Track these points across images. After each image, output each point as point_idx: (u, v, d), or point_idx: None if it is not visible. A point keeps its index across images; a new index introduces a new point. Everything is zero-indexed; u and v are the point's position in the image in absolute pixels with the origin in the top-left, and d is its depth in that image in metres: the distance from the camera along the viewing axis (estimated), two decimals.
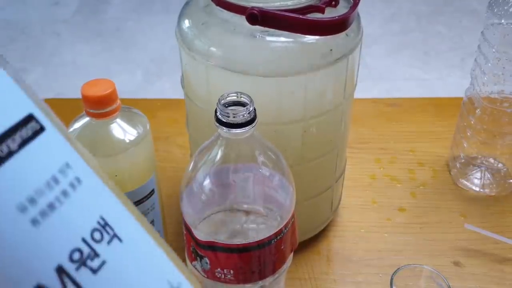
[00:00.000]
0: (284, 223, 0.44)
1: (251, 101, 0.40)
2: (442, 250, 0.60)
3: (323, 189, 0.57)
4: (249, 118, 0.40)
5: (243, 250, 0.43)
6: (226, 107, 0.40)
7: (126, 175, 0.49)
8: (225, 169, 0.43)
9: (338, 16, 0.45)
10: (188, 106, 0.55)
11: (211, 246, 0.43)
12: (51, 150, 0.18)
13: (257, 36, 0.46)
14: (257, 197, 0.45)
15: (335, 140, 0.55)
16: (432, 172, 0.70)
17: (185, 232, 0.46)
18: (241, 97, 0.41)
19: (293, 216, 0.45)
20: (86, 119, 0.48)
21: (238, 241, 0.43)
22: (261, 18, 0.44)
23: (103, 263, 0.18)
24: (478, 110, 0.64)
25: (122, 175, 0.48)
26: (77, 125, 0.48)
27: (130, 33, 1.94)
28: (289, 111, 0.49)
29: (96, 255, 0.18)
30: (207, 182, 0.44)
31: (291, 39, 0.46)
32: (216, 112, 0.40)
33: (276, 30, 0.45)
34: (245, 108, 0.40)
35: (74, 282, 0.17)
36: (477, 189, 0.67)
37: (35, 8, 2.13)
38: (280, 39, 0.46)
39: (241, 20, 0.45)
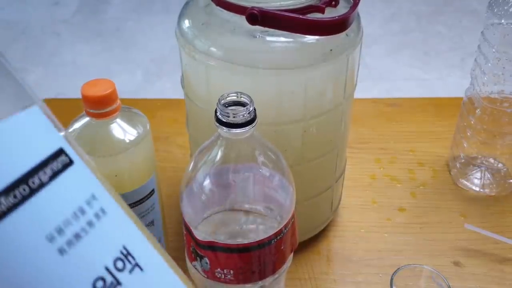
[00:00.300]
0: (284, 223, 0.44)
1: (251, 101, 0.40)
2: (442, 250, 0.60)
3: (323, 189, 0.57)
4: (249, 118, 0.40)
5: (243, 250, 0.43)
6: (226, 107, 0.40)
7: (126, 175, 0.49)
8: (225, 169, 0.43)
9: (338, 16, 0.45)
10: (188, 106, 0.55)
11: (211, 246, 0.43)
12: (79, 182, 0.19)
13: (257, 36, 0.46)
14: (257, 197, 0.45)
15: (335, 140, 0.55)
16: (432, 172, 0.70)
17: (185, 232, 0.46)
18: (241, 97, 0.41)
19: (293, 216, 0.45)
20: (86, 119, 0.48)
21: (238, 241, 0.43)
22: (261, 18, 0.44)
23: None
24: (478, 110, 0.64)
25: (122, 175, 0.48)
26: (77, 125, 0.48)
27: (130, 33, 1.94)
28: (289, 111, 0.49)
29: (119, 283, 0.19)
30: (207, 182, 0.44)
31: (291, 39, 0.46)
32: (216, 112, 0.40)
33: (276, 30, 0.45)
34: (245, 108, 0.40)
35: None
36: (477, 189, 0.67)
37: (35, 8, 2.13)
38: (280, 39, 0.46)
39: (241, 20, 0.45)
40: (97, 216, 0.19)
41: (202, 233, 0.43)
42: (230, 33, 0.47)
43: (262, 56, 0.47)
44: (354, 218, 0.64)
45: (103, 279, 0.18)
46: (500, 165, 0.68)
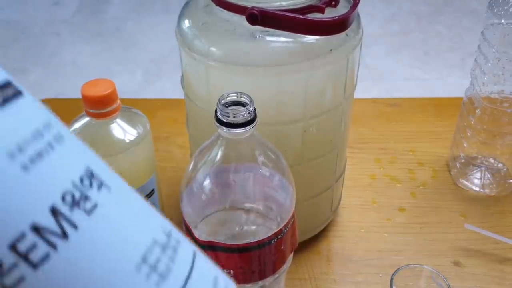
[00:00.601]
0: (284, 223, 0.44)
1: (251, 101, 0.40)
2: (442, 250, 0.60)
3: (323, 189, 0.57)
4: (249, 118, 0.40)
5: (243, 250, 0.43)
6: (226, 107, 0.40)
7: (126, 175, 0.48)
8: (225, 169, 0.43)
9: (338, 16, 0.45)
10: (188, 106, 0.55)
11: (211, 246, 0.43)
12: (31, 112, 0.19)
13: (257, 36, 0.46)
14: (257, 197, 0.45)
15: (335, 140, 0.55)
16: (432, 172, 0.70)
17: (185, 232, 0.46)
18: (241, 97, 0.41)
19: (293, 216, 0.45)
20: (86, 119, 0.48)
21: (238, 241, 0.43)
22: (261, 18, 0.44)
23: (95, 206, 0.19)
24: (478, 110, 0.64)
25: (122, 175, 0.48)
26: (77, 125, 0.48)
27: (130, 33, 1.94)
28: (289, 111, 0.49)
29: (87, 198, 0.19)
30: (207, 182, 0.44)
31: (291, 39, 0.46)
32: (216, 112, 0.40)
33: (276, 30, 0.45)
34: (245, 108, 0.40)
35: (69, 221, 0.18)
36: (477, 189, 0.67)
37: (35, 8, 2.13)
38: (280, 39, 0.46)
39: (241, 20, 0.45)
40: (56, 139, 0.19)
41: (202, 233, 0.43)
42: (230, 33, 0.47)
43: (262, 56, 0.47)
44: (354, 218, 0.64)
45: (71, 193, 0.19)
46: (500, 165, 0.68)
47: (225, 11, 0.47)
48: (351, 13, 0.46)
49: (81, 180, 0.19)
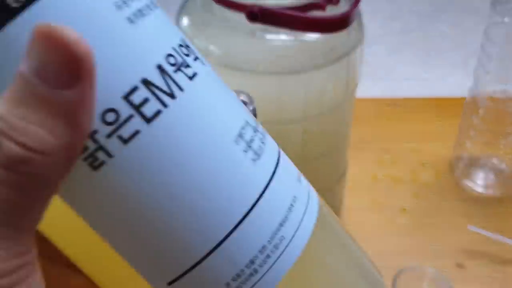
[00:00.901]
0: None
1: (251, 100, 0.40)
2: (445, 251, 0.59)
3: (324, 190, 0.56)
4: None
5: None
6: None
7: None
8: None
9: (339, 14, 0.44)
10: None
11: None
12: None
13: (257, 34, 0.45)
14: None
15: (336, 140, 0.54)
16: (435, 172, 0.70)
17: None
18: (240, 96, 0.40)
19: None
20: None
21: None
22: (261, 15, 0.43)
23: (195, 74, 0.19)
24: (481, 110, 0.63)
25: None
26: None
27: None
28: (290, 110, 0.49)
29: (188, 66, 0.19)
30: None
31: (291, 38, 0.46)
32: None
33: (276, 29, 0.44)
34: None
35: (174, 81, 0.18)
36: (481, 190, 0.66)
37: None
38: (281, 38, 0.46)
39: (241, 18, 0.44)
40: (152, 2, 0.19)
41: None
42: (230, 31, 0.46)
43: (262, 55, 0.46)
44: (356, 219, 0.63)
45: (173, 56, 0.18)
46: (503, 165, 0.68)
47: (224, 9, 0.46)
48: (352, 11, 0.45)
49: (180, 47, 0.19)
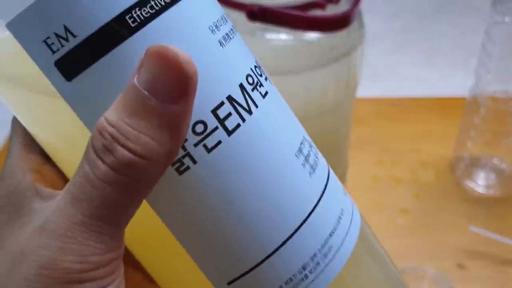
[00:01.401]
0: None
1: None
2: (446, 252, 0.59)
3: None
4: None
5: None
6: None
7: None
8: None
9: (340, 13, 0.44)
10: None
11: None
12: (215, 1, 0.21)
13: (257, 34, 0.45)
14: None
15: (337, 140, 0.54)
16: (436, 173, 0.69)
17: None
18: None
19: None
20: None
21: None
22: (261, 15, 0.43)
23: (267, 92, 0.21)
24: (482, 109, 0.63)
25: None
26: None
27: None
28: None
29: (262, 85, 0.21)
30: None
31: (291, 37, 0.45)
32: None
33: (276, 28, 0.44)
34: None
35: (251, 98, 0.20)
36: (482, 190, 0.66)
37: None
38: (281, 37, 0.46)
39: (241, 17, 0.44)
40: (233, 28, 0.22)
41: None
42: None
43: (262, 54, 0.46)
44: None
45: (251, 76, 0.21)
46: (504, 165, 0.67)
47: (224, 7, 0.46)
48: (353, 10, 0.45)
49: (255, 68, 0.21)
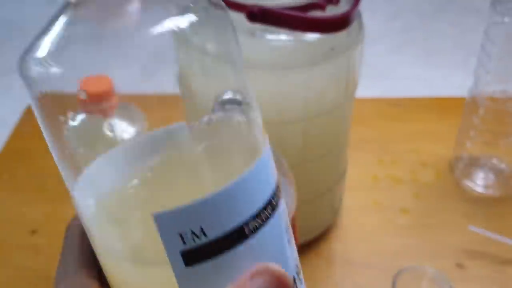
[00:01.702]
0: None
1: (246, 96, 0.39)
2: (445, 251, 0.59)
3: (324, 190, 0.57)
4: None
5: None
6: (224, 105, 0.39)
7: None
8: None
9: (339, 14, 0.44)
10: (186, 104, 0.55)
11: None
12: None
13: (257, 34, 0.45)
14: None
15: (337, 140, 0.54)
16: (435, 172, 0.70)
17: None
18: (238, 95, 0.40)
19: (294, 218, 0.45)
20: (82, 116, 0.47)
21: None
22: (261, 15, 0.43)
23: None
24: (481, 110, 0.63)
25: None
26: (73, 122, 0.47)
27: None
28: (290, 110, 0.48)
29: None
30: None
31: (291, 38, 0.45)
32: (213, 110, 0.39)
33: (276, 29, 0.44)
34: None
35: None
36: (481, 190, 0.66)
37: (32, 6, 2.12)
38: (280, 38, 0.46)
39: (241, 18, 0.44)
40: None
41: None
42: None
43: (261, 55, 0.46)
44: (356, 219, 0.63)
45: (297, 266, 0.25)
46: (503, 165, 0.67)
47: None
48: (353, 11, 0.45)
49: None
